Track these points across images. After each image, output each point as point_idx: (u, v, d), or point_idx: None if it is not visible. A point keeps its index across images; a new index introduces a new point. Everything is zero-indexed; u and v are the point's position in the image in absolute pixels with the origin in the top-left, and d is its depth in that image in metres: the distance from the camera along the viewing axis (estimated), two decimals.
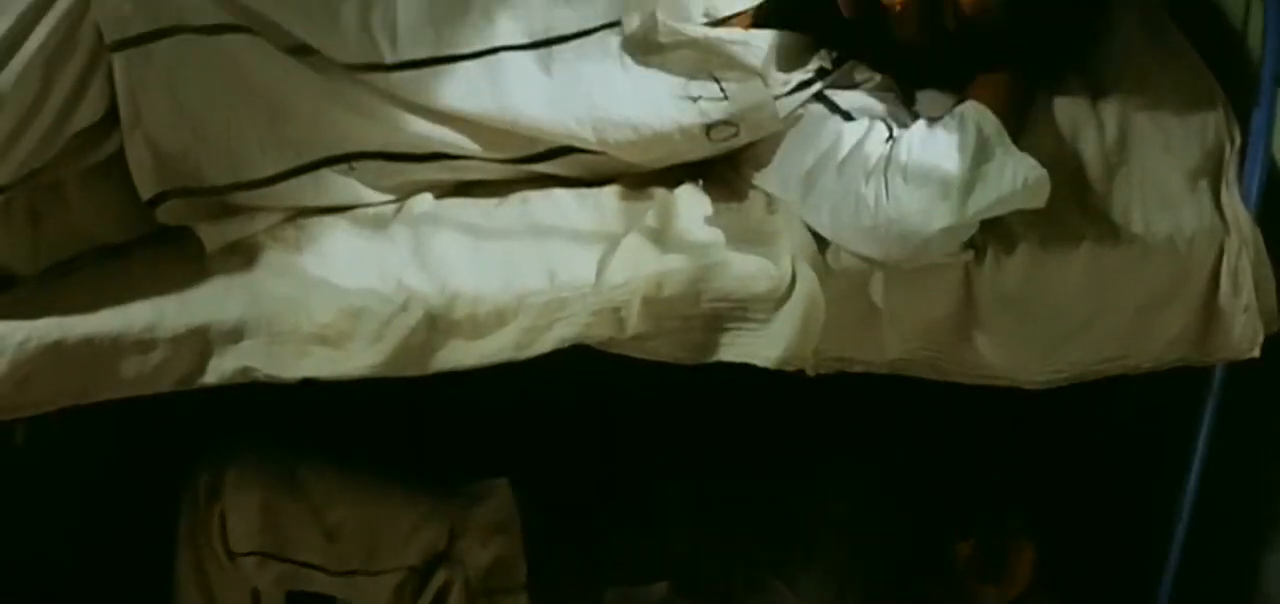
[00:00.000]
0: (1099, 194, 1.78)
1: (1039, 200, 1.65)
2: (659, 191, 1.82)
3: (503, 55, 1.76)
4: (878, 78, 1.84)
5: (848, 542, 2.21)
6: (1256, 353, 1.77)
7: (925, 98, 1.87)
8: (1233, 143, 1.80)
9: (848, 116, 1.78)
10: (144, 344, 1.66)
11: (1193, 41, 1.93)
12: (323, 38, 1.74)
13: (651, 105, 1.76)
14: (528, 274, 1.70)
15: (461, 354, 1.69)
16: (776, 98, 1.78)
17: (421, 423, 2.17)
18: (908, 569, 2.20)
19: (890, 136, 1.74)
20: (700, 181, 1.84)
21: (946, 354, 1.77)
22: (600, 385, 1.94)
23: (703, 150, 1.81)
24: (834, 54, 1.83)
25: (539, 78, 1.76)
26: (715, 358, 1.73)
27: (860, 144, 1.73)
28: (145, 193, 1.70)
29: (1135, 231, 1.75)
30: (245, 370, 1.68)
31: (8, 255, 1.68)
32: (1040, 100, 1.84)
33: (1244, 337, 1.76)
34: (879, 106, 1.80)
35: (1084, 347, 1.78)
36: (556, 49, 1.77)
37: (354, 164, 1.77)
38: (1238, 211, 1.75)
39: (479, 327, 1.68)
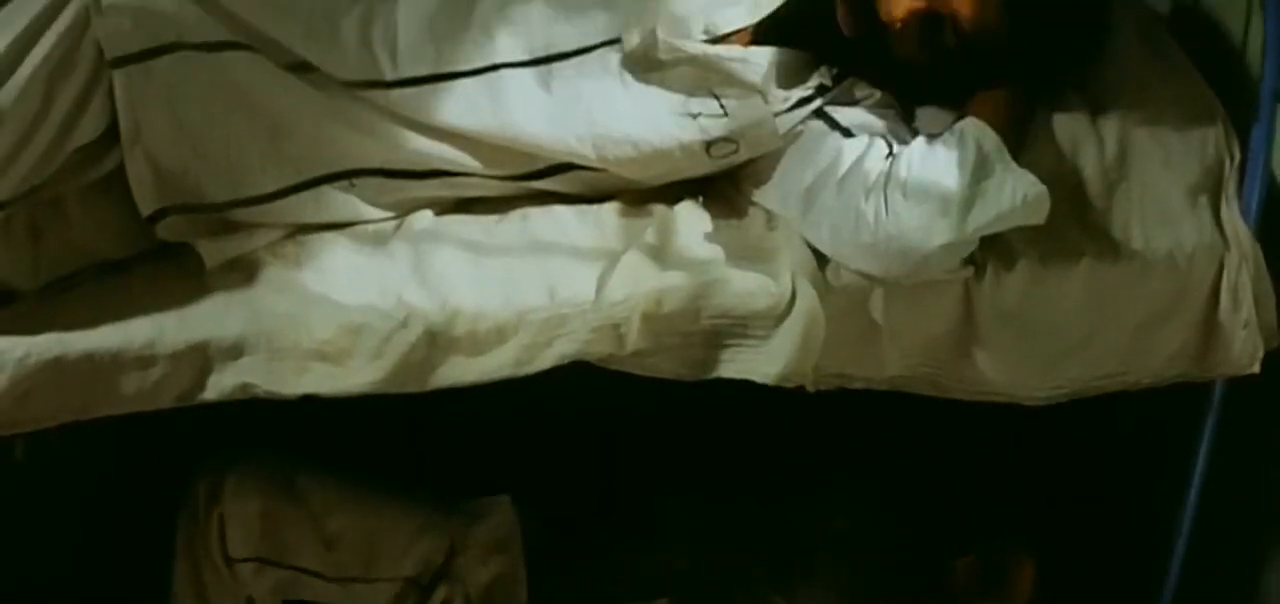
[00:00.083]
0: (1099, 210, 1.78)
1: (1039, 217, 1.65)
2: (659, 208, 1.82)
3: (503, 72, 1.77)
4: (878, 94, 1.84)
5: (848, 558, 2.20)
6: (1256, 368, 1.77)
7: (925, 114, 1.86)
8: (1232, 158, 1.80)
9: (848, 133, 1.78)
10: (144, 360, 1.66)
11: (1192, 57, 1.93)
12: (323, 55, 1.74)
13: (651, 122, 1.77)
14: (528, 291, 1.70)
15: (461, 371, 1.69)
16: (776, 115, 1.78)
17: (422, 439, 2.17)
18: (908, 585, 2.20)
19: (890, 153, 1.74)
20: (700, 198, 1.84)
21: (946, 370, 1.77)
22: (600, 402, 1.94)
23: (703, 167, 1.81)
24: (834, 71, 1.83)
25: (539, 95, 1.76)
26: (715, 374, 1.73)
27: (860, 161, 1.73)
28: (145, 209, 1.71)
29: (1135, 248, 1.75)
30: (245, 387, 1.68)
31: (8, 271, 1.68)
32: (1040, 116, 1.84)
33: (1244, 352, 1.76)
34: (879, 123, 1.80)
35: (1084, 363, 1.78)
36: (556, 66, 1.77)
37: (354, 181, 1.78)
38: (1237, 227, 1.75)
39: (479, 343, 1.68)
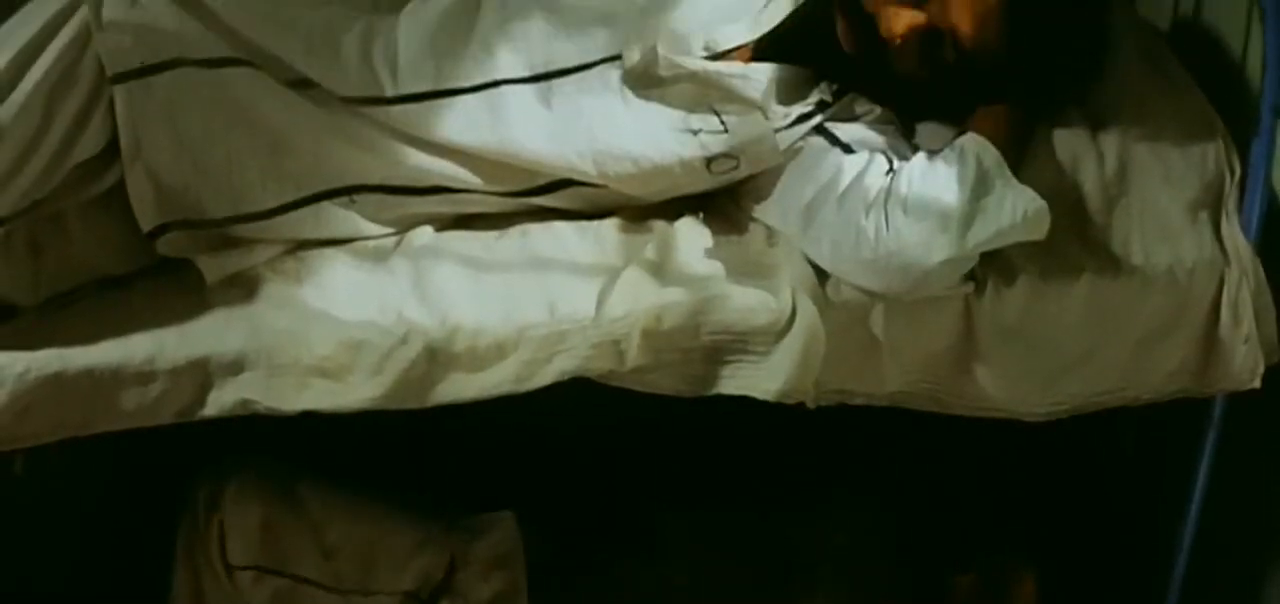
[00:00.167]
0: (1099, 226, 1.77)
1: (1039, 232, 1.65)
2: (659, 224, 1.82)
3: (503, 89, 1.77)
4: (878, 110, 1.84)
5: (848, 573, 2.20)
6: (1257, 384, 1.77)
7: (925, 130, 1.86)
8: (1233, 174, 1.80)
9: (848, 149, 1.78)
10: (144, 376, 1.66)
11: (1192, 72, 1.93)
12: (324, 71, 1.74)
13: (652, 138, 1.77)
14: (528, 307, 1.70)
15: (461, 387, 1.68)
16: (776, 130, 1.79)
17: (423, 454, 2.17)
18: (909, 600, 2.20)
19: (890, 169, 1.74)
20: (700, 214, 1.84)
21: (947, 386, 1.77)
22: (601, 418, 1.94)
23: (703, 183, 1.81)
24: (834, 87, 1.83)
25: (539, 111, 1.76)
26: (715, 390, 1.72)
27: (860, 176, 1.73)
28: (146, 225, 1.71)
29: (1135, 263, 1.75)
30: (245, 402, 1.68)
31: (8, 286, 1.68)
32: (1040, 132, 1.84)
33: (1244, 368, 1.76)
34: (879, 139, 1.80)
35: (1084, 379, 1.78)
36: (557, 82, 1.78)
37: (354, 197, 1.78)
38: (1238, 242, 1.75)
39: (479, 359, 1.68)
